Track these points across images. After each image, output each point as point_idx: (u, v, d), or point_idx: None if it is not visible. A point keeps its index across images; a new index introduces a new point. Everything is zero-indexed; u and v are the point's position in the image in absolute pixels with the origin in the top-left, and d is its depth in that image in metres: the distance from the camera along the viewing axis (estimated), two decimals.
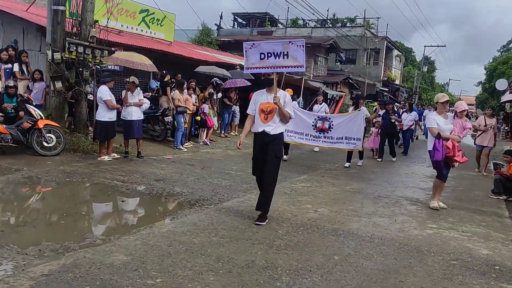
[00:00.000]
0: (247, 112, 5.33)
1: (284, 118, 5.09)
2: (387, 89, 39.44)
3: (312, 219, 5.42)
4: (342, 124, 9.87)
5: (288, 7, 51.73)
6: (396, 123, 12.66)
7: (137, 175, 7.33)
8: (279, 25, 43.54)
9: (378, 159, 12.07)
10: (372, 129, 12.66)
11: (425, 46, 53.31)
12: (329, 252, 4.27)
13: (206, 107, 12.46)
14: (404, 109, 18.99)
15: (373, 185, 8.27)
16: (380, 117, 12.35)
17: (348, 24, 43.69)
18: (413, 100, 45.47)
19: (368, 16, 49.00)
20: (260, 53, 5.35)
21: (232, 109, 15.16)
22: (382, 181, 8.77)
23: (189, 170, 8.22)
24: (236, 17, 44.06)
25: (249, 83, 14.85)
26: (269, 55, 5.32)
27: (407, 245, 4.70)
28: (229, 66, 17.54)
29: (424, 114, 19.79)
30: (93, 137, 8.99)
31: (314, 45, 30.22)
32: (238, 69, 17.46)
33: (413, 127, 14.55)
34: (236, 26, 43.54)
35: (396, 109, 14.92)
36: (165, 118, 11.43)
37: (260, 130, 5.07)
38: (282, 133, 5.16)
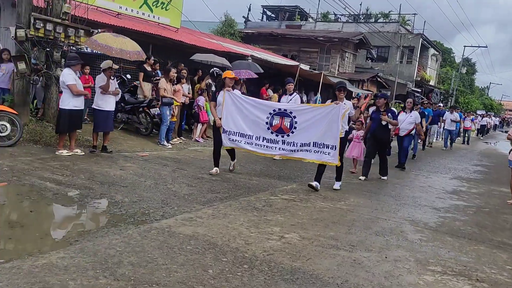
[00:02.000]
0: None
1: None
2: (419, 90, 37.15)
3: (269, 250, 4.03)
4: (312, 122, 6.82)
5: (319, 1, 49.64)
6: (390, 126, 8.89)
7: (84, 175, 6.11)
8: (309, 19, 41.96)
9: (360, 177, 8.53)
10: (354, 131, 9.30)
11: (464, 46, 50.40)
12: None
13: (201, 100, 11.20)
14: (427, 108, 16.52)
15: (374, 200, 6.77)
16: (368, 117, 9.84)
17: (381, 20, 41.57)
18: (450, 102, 42.90)
19: (404, 12, 46.54)
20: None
21: None
22: (387, 196, 7.24)
23: (154, 171, 6.95)
24: (265, 9, 42.80)
25: (255, 76, 13.48)
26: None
27: None
28: (239, 57, 16.22)
29: (445, 118, 17.86)
30: (55, 129, 7.85)
31: (341, 39, 28.55)
32: (250, 60, 16.13)
33: (413, 132, 11.03)
34: (264, 19, 42.31)
35: (391, 106, 10.93)
36: (151, 109, 10.22)
37: None
38: None
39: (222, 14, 33.44)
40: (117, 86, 8.18)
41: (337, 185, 7.22)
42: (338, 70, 28.27)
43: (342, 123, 6.68)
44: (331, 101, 6.94)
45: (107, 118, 7.88)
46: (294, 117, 6.97)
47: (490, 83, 76.36)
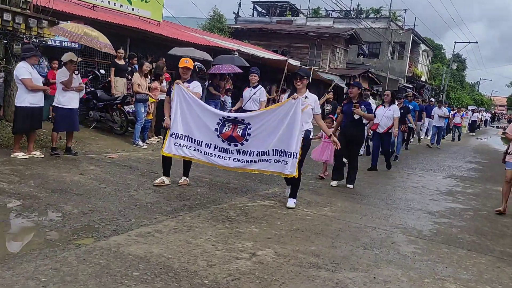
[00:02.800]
0: None
1: None
2: (411, 86, 36.65)
3: (235, 274, 3.37)
4: (268, 126, 5.48)
5: None
6: (365, 121, 7.68)
7: (35, 181, 5.40)
8: (300, 15, 41.41)
9: (332, 183, 7.23)
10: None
11: (455, 42, 50.59)
12: None
13: None
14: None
15: (364, 205, 6.14)
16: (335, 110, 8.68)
17: (372, 16, 41.04)
18: (441, 98, 42.49)
19: (395, 8, 46.08)
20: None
21: (221, 100, 13.14)
22: (378, 199, 6.61)
23: (120, 176, 6.25)
24: (255, 5, 42.21)
25: (239, 70, 12.79)
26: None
27: None
28: (225, 52, 15.53)
29: (433, 113, 16.54)
30: (12, 129, 7.11)
31: (332, 35, 27.94)
32: (236, 54, 15.45)
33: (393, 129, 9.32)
34: (255, 15, 41.72)
35: (367, 98, 9.50)
36: (125, 107, 9.51)
37: None
38: None
39: (211, 9, 32.55)
40: (81, 81, 7.46)
41: (291, 203, 5.52)
42: (329, 66, 27.67)
43: (302, 122, 5.37)
44: (289, 96, 5.54)
45: (70, 117, 7.16)
46: (248, 124, 5.55)
47: (480, 78, 76.31)
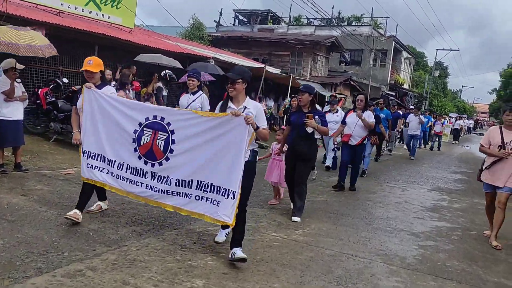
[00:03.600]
0: None
1: None
2: (394, 93, 36.53)
3: None
4: (198, 142, 3.94)
5: (291, 4, 49.08)
6: (318, 135, 5.92)
7: None
8: (282, 23, 41.23)
9: (294, 214, 5.60)
10: (274, 144, 6.53)
11: (437, 50, 51.16)
12: None
13: None
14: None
15: (341, 226, 5.53)
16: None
17: (354, 23, 40.99)
18: (423, 105, 42.48)
19: (376, 15, 46.19)
20: None
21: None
22: (357, 219, 6.01)
23: (69, 195, 5.54)
24: (237, 14, 41.92)
25: (211, 78, 12.18)
26: None
27: None
28: (201, 59, 14.91)
29: (408, 120, 15.28)
30: None
31: (313, 42, 27.59)
32: (212, 62, 14.87)
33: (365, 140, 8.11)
34: (237, 24, 41.40)
35: (319, 108, 8.67)
36: None
37: None
38: None
39: (190, 17, 32.03)
40: (23, 89, 6.72)
41: (238, 252, 3.82)
42: (310, 74, 27.31)
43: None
44: (224, 107, 4.01)
45: (15, 130, 6.43)
46: (172, 131, 4.03)
47: (463, 86, 77.20)
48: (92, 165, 4.53)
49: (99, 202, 5.03)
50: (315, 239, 4.88)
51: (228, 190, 3.73)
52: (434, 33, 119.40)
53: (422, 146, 19.98)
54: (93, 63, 4.54)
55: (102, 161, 4.49)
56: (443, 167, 13.59)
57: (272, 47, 27.73)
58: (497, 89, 49.35)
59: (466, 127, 39.93)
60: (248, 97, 4.03)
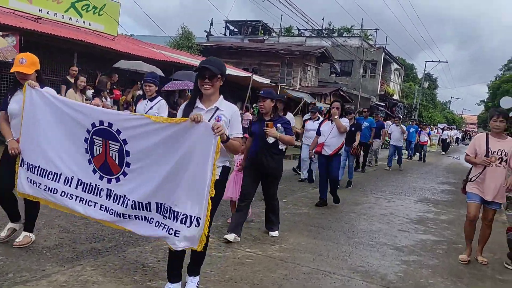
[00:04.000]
0: None
1: None
2: (383, 104, 36.54)
3: None
4: (156, 156, 3.15)
5: (282, 15, 49.24)
6: (283, 146, 5.18)
7: None
8: (273, 33, 41.32)
9: (227, 237, 4.75)
10: (236, 157, 5.62)
11: (426, 62, 51.24)
12: None
13: None
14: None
15: (321, 241, 5.22)
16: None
17: (344, 35, 41.12)
18: (413, 116, 42.57)
19: (366, 27, 46.42)
20: None
21: None
22: (339, 232, 5.72)
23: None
24: (228, 24, 41.96)
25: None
26: None
27: None
28: (186, 68, 14.66)
29: (390, 130, 14.74)
30: None
31: (303, 53, 27.56)
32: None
33: (342, 150, 7.27)
34: (227, 34, 41.41)
35: (291, 116, 8.33)
36: None
37: None
38: None
39: (179, 26, 31.79)
40: None
41: (193, 284, 3.35)
42: (300, 84, 27.19)
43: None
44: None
45: None
46: (124, 141, 3.24)
47: (452, 97, 77.58)
48: (32, 179, 3.70)
49: (12, 225, 4.07)
50: (292, 255, 4.57)
51: (191, 217, 2.96)
52: (423, 46, 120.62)
53: (408, 157, 19.03)
54: (26, 62, 3.78)
55: (46, 176, 3.64)
56: (431, 178, 13.38)
57: (262, 57, 27.61)
58: (485, 100, 49.78)
59: (455, 137, 39.89)
60: (222, 96, 3.30)
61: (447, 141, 28.49)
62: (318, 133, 7.19)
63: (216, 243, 4.67)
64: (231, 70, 17.65)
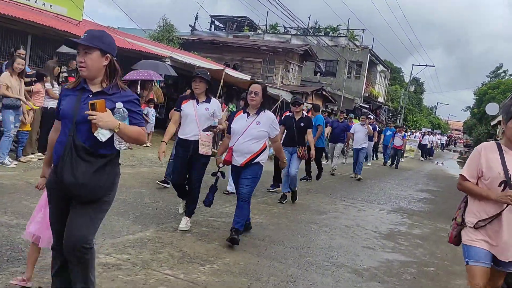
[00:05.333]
0: None
1: None
2: (367, 106, 35.93)
3: None
4: None
5: (268, 12, 48.39)
6: (121, 145, 2.72)
7: None
8: (258, 30, 40.60)
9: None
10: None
11: (413, 65, 50.34)
12: None
13: None
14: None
15: (265, 260, 4.33)
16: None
17: (330, 34, 40.43)
18: (398, 120, 42.06)
19: (353, 27, 45.76)
20: None
21: (143, 112, 11.24)
22: (291, 248, 4.84)
23: None
24: (213, 19, 41.13)
25: (159, 77, 10.99)
26: None
27: None
28: (155, 58, 13.67)
29: (353, 131, 12.36)
30: None
31: (285, 50, 26.72)
32: (168, 62, 13.67)
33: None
34: (213, 29, 40.60)
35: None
36: None
37: None
38: None
39: (160, 18, 30.74)
40: None
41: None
42: (281, 82, 26.37)
43: None
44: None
45: None
46: None
47: (438, 102, 77.61)
48: None
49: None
50: (221, 279, 3.68)
51: None
52: (411, 50, 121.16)
53: (384, 163, 18.19)
54: None
55: None
56: (410, 184, 12.64)
57: (244, 53, 26.75)
58: (471, 107, 49.69)
59: (439, 143, 39.24)
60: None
61: (428, 146, 26.33)
62: (228, 132, 5.03)
63: (131, 261, 3.77)
64: (203, 63, 16.73)
